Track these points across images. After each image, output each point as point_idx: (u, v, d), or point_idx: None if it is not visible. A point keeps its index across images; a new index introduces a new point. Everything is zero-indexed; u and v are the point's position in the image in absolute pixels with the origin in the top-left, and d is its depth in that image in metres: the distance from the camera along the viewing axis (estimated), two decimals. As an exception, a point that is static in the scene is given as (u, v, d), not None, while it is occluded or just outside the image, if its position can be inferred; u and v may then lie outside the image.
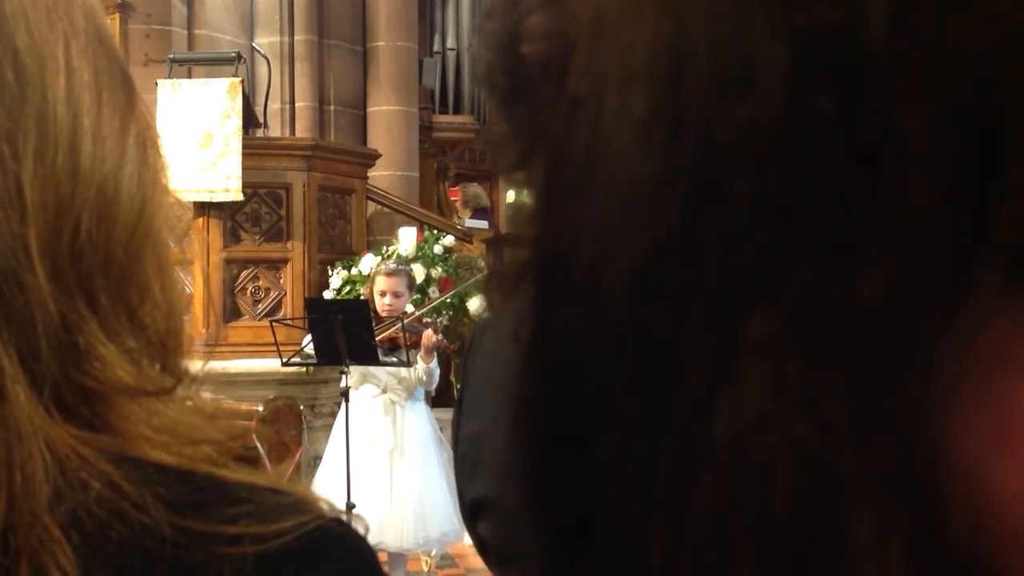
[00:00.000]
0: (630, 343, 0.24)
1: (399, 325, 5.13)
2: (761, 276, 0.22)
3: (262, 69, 8.72)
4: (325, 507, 0.56)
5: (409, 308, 5.59)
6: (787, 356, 0.22)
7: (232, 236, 7.20)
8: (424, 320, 5.83)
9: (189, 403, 0.57)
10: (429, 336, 5.06)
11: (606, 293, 0.24)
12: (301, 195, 7.28)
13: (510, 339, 0.28)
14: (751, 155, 0.22)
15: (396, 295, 5.27)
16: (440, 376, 5.41)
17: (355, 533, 0.57)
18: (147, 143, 0.58)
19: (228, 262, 7.17)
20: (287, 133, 9.32)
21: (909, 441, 0.21)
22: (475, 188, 11.60)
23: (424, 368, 5.07)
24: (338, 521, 0.56)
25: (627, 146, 0.24)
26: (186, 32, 9.08)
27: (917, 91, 0.20)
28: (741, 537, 0.22)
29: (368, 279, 5.80)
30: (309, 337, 5.31)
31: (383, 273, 5.41)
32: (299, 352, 5.51)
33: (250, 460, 0.58)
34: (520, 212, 0.28)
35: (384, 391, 5.19)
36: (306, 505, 0.54)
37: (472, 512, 1.13)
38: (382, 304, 5.23)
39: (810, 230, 0.21)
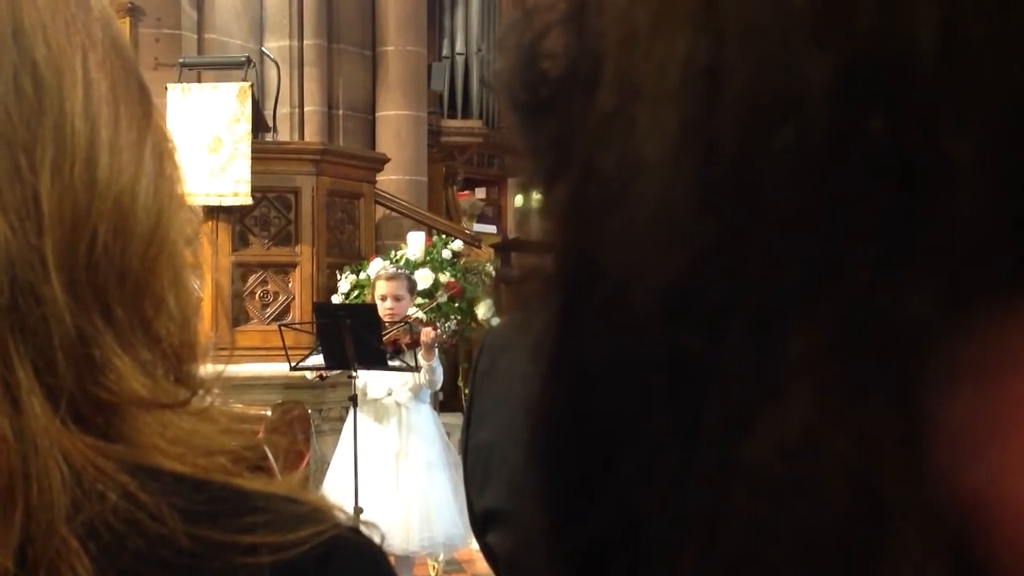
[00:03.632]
0: (662, 361, 0.24)
1: (406, 327, 5.14)
2: (802, 294, 0.22)
3: (271, 73, 8.73)
4: (341, 516, 0.56)
5: (412, 311, 5.60)
6: (831, 374, 0.21)
7: (241, 240, 7.21)
8: (425, 321, 5.84)
9: (202, 414, 0.57)
10: (427, 332, 5.07)
11: (636, 311, 0.24)
12: (310, 199, 7.28)
13: (530, 357, 0.28)
14: (794, 173, 0.22)
15: (397, 299, 5.28)
16: (448, 381, 5.41)
17: (370, 542, 0.57)
18: (163, 154, 0.58)
19: (237, 266, 7.17)
20: (296, 137, 9.33)
21: (958, 460, 0.21)
22: (470, 199, 11.77)
23: (426, 366, 5.07)
24: (354, 530, 0.56)
25: (659, 163, 0.23)
26: (196, 36, 9.10)
27: (966, 112, 0.20)
28: (781, 555, 0.22)
29: (370, 284, 5.84)
30: (320, 358, 5.35)
31: (383, 277, 5.43)
32: (307, 356, 5.52)
33: (262, 467, 0.58)
34: (539, 228, 0.28)
35: (389, 393, 5.20)
36: (322, 514, 0.54)
37: (482, 522, 1.13)
38: (383, 308, 5.23)
39: (854, 248, 0.21)
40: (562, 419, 0.27)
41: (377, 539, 0.57)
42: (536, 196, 0.29)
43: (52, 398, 0.50)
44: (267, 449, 0.62)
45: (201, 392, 0.57)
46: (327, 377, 5.46)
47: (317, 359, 5.40)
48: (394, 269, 5.74)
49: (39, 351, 0.50)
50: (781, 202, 0.22)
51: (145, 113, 0.58)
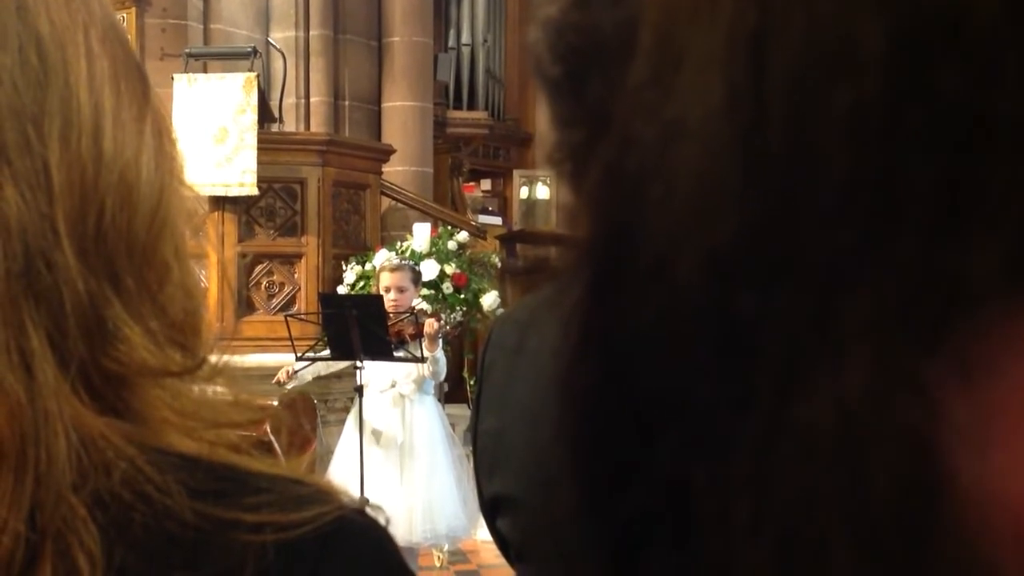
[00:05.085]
0: (710, 328, 0.23)
1: (411, 318, 5.14)
2: (861, 256, 0.21)
3: (277, 64, 8.74)
4: (346, 498, 0.55)
5: (416, 302, 5.59)
6: (892, 337, 0.21)
7: (247, 230, 7.23)
8: (429, 312, 5.84)
9: (210, 390, 0.57)
10: (431, 324, 5.08)
11: (682, 279, 0.23)
12: (315, 190, 7.30)
13: (561, 332, 0.27)
14: (852, 135, 0.21)
15: (401, 290, 5.28)
16: (453, 372, 5.41)
17: (376, 524, 0.56)
18: (163, 132, 0.59)
19: (242, 256, 7.19)
20: (302, 128, 9.34)
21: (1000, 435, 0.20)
22: (472, 194, 12.09)
23: (430, 357, 5.07)
24: (359, 512, 0.55)
25: (704, 129, 0.23)
26: (202, 27, 9.11)
27: None
28: (835, 522, 0.21)
29: (374, 276, 5.84)
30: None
31: (387, 269, 5.43)
32: (310, 349, 5.53)
33: (268, 448, 0.58)
34: (569, 202, 0.28)
35: (393, 385, 5.20)
36: (327, 496, 0.54)
37: (491, 508, 1.13)
38: (388, 300, 5.24)
39: (916, 208, 0.21)
40: (597, 394, 0.26)
41: (383, 521, 0.57)
42: (564, 170, 0.29)
43: (64, 366, 0.50)
44: (272, 436, 0.62)
45: (207, 364, 0.57)
46: (285, 383, 5.38)
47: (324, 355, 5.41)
48: (398, 260, 5.73)
49: (52, 318, 0.50)
50: (838, 163, 0.21)
51: (144, 91, 0.58)
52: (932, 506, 0.21)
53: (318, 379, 5.74)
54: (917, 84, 0.21)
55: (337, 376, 6.02)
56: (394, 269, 5.40)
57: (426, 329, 5.06)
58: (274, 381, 5.37)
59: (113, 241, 0.53)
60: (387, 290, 5.29)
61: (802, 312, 0.22)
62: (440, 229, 7.70)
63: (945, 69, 0.20)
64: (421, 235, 7.40)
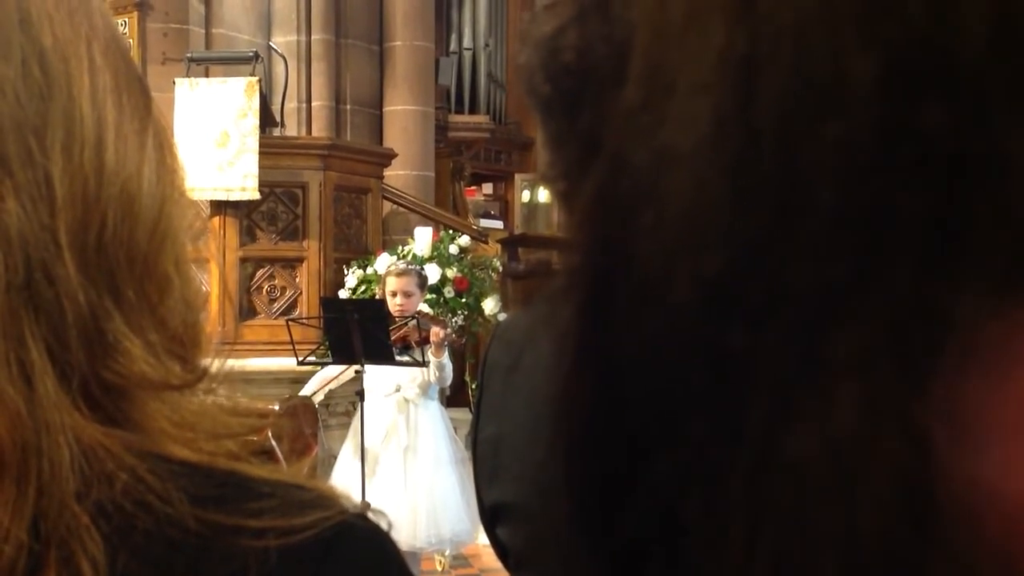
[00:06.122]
0: (701, 358, 0.23)
1: (414, 323, 5.14)
2: (849, 290, 0.21)
3: (279, 68, 8.74)
4: (348, 503, 0.56)
5: (423, 307, 5.59)
6: (880, 371, 0.21)
7: (248, 235, 7.22)
8: (434, 317, 5.84)
9: (209, 399, 0.58)
10: (437, 333, 5.07)
11: (672, 307, 0.23)
12: (317, 194, 7.29)
13: (554, 351, 0.27)
14: (842, 167, 0.21)
15: (407, 295, 5.27)
16: (455, 376, 5.41)
17: (378, 528, 0.57)
18: (164, 145, 0.59)
19: (244, 261, 7.19)
20: (303, 132, 9.34)
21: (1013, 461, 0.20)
22: (473, 199, 12.09)
23: (435, 363, 5.07)
24: (361, 516, 0.56)
25: (694, 156, 0.23)
26: (204, 31, 9.11)
27: (1020, 101, 0.20)
28: (825, 554, 0.21)
29: (380, 280, 5.84)
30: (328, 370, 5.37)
31: (393, 273, 5.42)
32: (315, 350, 5.54)
33: (269, 455, 0.58)
34: (563, 221, 0.28)
35: (398, 389, 5.20)
36: (329, 500, 0.55)
37: (491, 516, 1.12)
38: (393, 304, 5.23)
39: (906, 243, 0.21)
40: (591, 415, 0.26)
41: (384, 526, 0.58)
42: (557, 189, 0.29)
43: (64, 379, 0.50)
44: (273, 442, 0.63)
45: (208, 374, 0.58)
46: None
47: (327, 371, 5.41)
48: (404, 265, 5.72)
49: (53, 330, 0.50)
50: (828, 196, 0.21)
51: (145, 104, 0.59)
52: (924, 537, 0.21)
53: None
54: (905, 118, 0.21)
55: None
56: (400, 274, 5.40)
57: (432, 338, 5.06)
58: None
59: (114, 253, 0.53)
60: (393, 294, 5.29)
61: (791, 345, 0.22)
62: (442, 233, 7.69)
63: (933, 103, 0.20)
64: (423, 239, 7.39)
